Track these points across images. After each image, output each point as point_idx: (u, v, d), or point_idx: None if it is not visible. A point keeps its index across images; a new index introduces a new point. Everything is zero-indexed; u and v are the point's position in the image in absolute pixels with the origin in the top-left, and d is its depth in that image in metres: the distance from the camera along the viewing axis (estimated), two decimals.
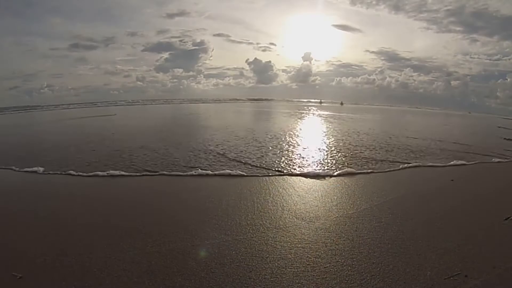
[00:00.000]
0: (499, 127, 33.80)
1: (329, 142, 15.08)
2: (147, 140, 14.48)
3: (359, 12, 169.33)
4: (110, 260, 4.30)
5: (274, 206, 6.42)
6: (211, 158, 11.00)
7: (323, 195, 7.20)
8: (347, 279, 3.88)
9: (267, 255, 4.42)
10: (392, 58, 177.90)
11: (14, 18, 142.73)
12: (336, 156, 11.66)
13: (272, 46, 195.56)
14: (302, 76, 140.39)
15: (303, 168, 9.71)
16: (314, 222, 5.61)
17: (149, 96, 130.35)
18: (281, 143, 14.50)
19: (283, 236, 5.03)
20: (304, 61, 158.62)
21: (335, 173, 9.09)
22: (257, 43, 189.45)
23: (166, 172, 9.12)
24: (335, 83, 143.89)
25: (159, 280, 3.86)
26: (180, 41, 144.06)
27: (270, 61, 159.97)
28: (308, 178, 8.64)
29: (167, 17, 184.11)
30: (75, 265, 4.19)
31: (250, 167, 9.73)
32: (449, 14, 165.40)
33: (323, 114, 38.91)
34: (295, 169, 9.55)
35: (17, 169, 9.68)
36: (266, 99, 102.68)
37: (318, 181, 8.47)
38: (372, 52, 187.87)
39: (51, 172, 9.26)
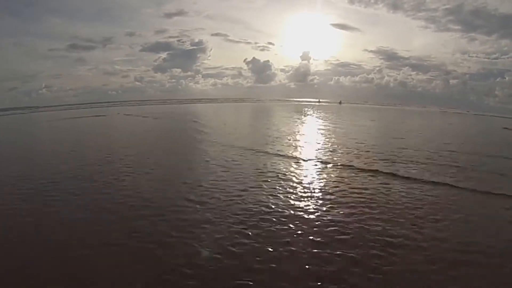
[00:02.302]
0: (505, 128, 32.15)
1: None
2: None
3: (357, 11, 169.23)
4: None
5: None
6: None
7: None
8: None
9: None
10: (391, 57, 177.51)
11: (13, 18, 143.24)
12: None
13: (270, 46, 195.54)
14: (301, 75, 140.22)
15: None
16: None
17: (147, 96, 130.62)
18: None
19: None
20: (302, 60, 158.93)
21: None
22: (256, 43, 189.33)
23: None
24: (333, 82, 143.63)
25: None
26: (178, 41, 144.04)
27: (268, 61, 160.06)
28: None
29: (165, 16, 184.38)
30: None
31: None
32: (448, 12, 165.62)
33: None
34: None
35: None
36: (256, 100, 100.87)
37: None
38: (371, 51, 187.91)
39: None
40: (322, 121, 28.65)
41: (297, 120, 29.64)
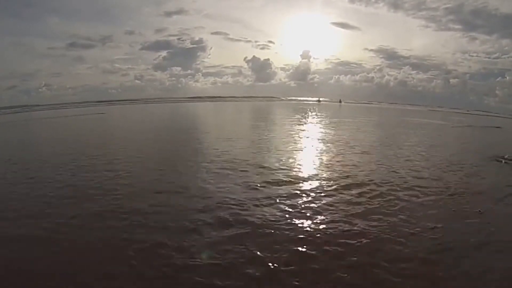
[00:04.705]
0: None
1: None
2: None
3: (358, 10, 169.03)
4: None
5: None
6: None
7: None
8: None
9: None
10: (391, 56, 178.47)
11: (12, 18, 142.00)
12: None
13: (270, 44, 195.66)
14: (301, 74, 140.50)
15: None
16: None
17: (147, 94, 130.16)
18: None
19: None
20: (302, 59, 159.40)
21: None
22: (256, 41, 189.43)
23: None
24: (333, 81, 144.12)
25: None
26: (178, 39, 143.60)
27: (268, 59, 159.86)
28: None
29: (165, 15, 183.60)
30: None
31: None
32: (448, 12, 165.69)
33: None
34: None
35: None
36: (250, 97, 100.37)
37: None
38: (371, 50, 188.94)
39: None
40: (334, 128, 26.64)
41: (302, 129, 26.07)
